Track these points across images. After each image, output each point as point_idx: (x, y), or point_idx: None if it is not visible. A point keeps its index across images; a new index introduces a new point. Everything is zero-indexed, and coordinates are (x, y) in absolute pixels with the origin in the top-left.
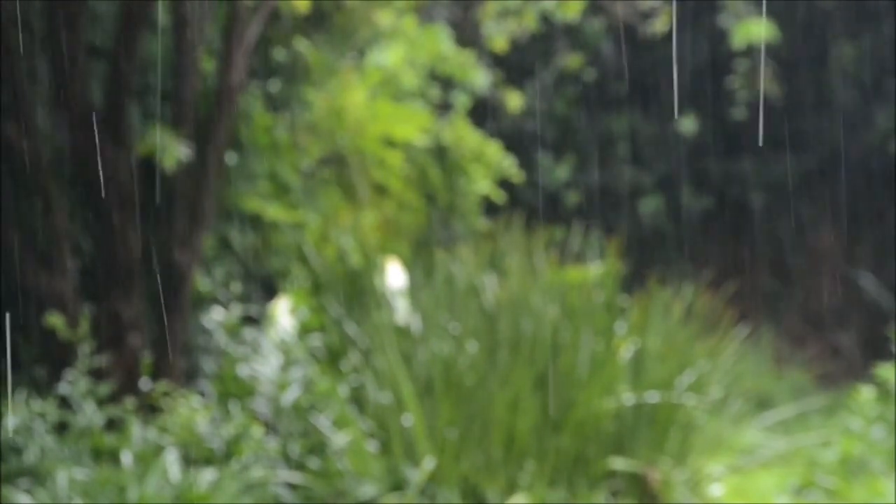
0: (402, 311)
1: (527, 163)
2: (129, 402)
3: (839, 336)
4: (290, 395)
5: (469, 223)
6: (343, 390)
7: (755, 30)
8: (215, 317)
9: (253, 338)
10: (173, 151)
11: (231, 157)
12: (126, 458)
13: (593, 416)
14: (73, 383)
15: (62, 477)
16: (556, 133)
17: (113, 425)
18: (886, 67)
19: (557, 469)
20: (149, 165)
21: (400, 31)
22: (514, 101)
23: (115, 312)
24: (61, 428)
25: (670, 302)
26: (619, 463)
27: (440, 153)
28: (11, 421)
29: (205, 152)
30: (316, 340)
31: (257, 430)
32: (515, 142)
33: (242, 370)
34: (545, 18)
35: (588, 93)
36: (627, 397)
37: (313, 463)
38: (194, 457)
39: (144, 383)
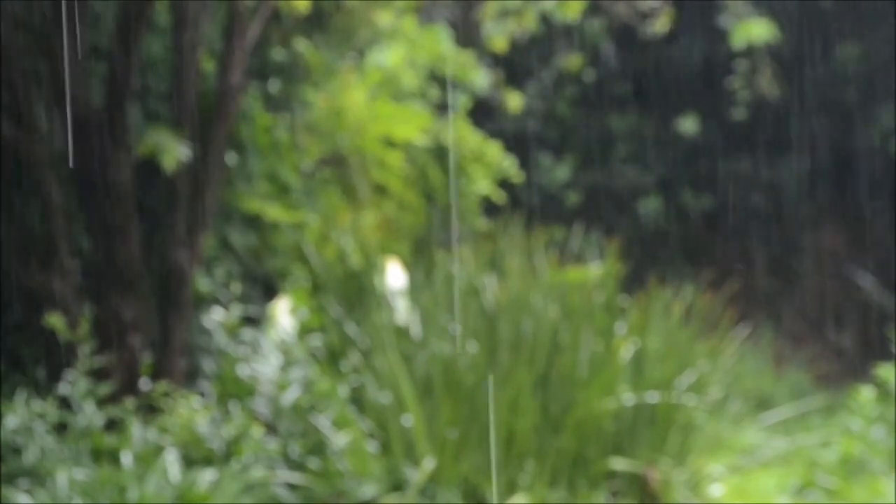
0: (402, 311)
1: (527, 163)
2: (129, 402)
3: (839, 336)
4: (290, 395)
5: (469, 223)
6: (343, 390)
7: (755, 30)
8: (215, 317)
9: (253, 338)
10: (173, 151)
11: (231, 157)
12: (126, 458)
13: (593, 416)
14: (73, 383)
15: (62, 477)
16: (556, 133)
17: (113, 425)
18: (886, 67)
19: (557, 469)
20: (149, 165)
21: (400, 31)
22: (514, 101)
23: (115, 312)
24: (61, 428)
25: (670, 302)
26: (619, 463)
27: (440, 153)
28: (11, 421)
29: (205, 152)
30: (316, 340)
31: (257, 431)
32: (515, 142)
33: (242, 370)
34: (545, 18)
35: (588, 93)
36: (627, 397)
37: (313, 463)
38: (194, 457)
39: (144, 383)
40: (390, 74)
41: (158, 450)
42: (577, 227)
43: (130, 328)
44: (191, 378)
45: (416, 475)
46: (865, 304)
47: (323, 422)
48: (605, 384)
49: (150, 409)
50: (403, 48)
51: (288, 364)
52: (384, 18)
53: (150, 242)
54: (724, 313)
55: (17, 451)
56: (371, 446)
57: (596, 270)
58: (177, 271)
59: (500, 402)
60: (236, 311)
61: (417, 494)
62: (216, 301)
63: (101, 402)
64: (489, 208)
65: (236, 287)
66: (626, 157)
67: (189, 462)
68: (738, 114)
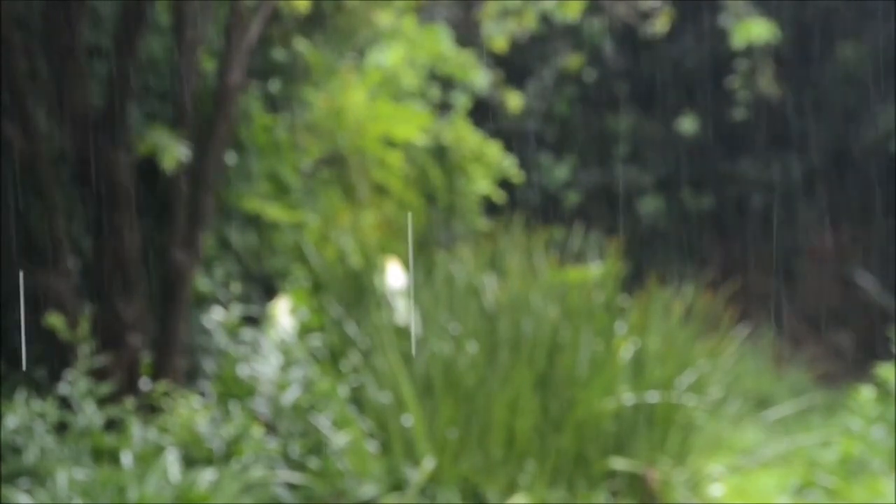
0: (402, 311)
1: (527, 163)
2: (129, 402)
3: (839, 336)
4: (290, 395)
5: (469, 223)
6: (343, 390)
7: (755, 30)
8: (215, 317)
9: (253, 338)
10: (173, 151)
11: (231, 157)
12: (126, 458)
13: (593, 416)
14: (73, 383)
15: (62, 477)
16: (556, 133)
17: (113, 425)
18: (886, 67)
19: (557, 469)
20: (149, 165)
21: (400, 31)
22: (514, 101)
23: (115, 312)
24: (61, 428)
25: (670, 302)
26: (619, 463)
27: (440, 153)
28: (11, 421)
29: (205, 152)
30: (316, 340)
31: (257, 430)
32: (515, 142)
33: (242, 370)
34: (545, 18)
35: (588, 93)
36: (627, 397)
37: (313, 463)
38: (194, 457)
39: (144, 383)
40: (390, 74)
41: (158, 450)
42: (577, 227)
43: (130, 328)
44: (191, 378)
45: (416, 475)
46: (865, 304)
47: (323, 422)
48: (605, 384)
49: (150, 409)
50: (403, 48)
51: (288, 364)
52: (384, 18)
53: (150, 242)
54: (724, 313)
55: (17, 451)
56: (371, 446)
57: (596, 270)
58: (177, 271)
59: (500, 402)
60: (236, 311)
61: (417, 494)
62: (216, 301)
63: (101, 402)
64: (489, 208)
65: (236, 287)
66: (626, 157)
67: (189, 462)
68: (738, 114)
